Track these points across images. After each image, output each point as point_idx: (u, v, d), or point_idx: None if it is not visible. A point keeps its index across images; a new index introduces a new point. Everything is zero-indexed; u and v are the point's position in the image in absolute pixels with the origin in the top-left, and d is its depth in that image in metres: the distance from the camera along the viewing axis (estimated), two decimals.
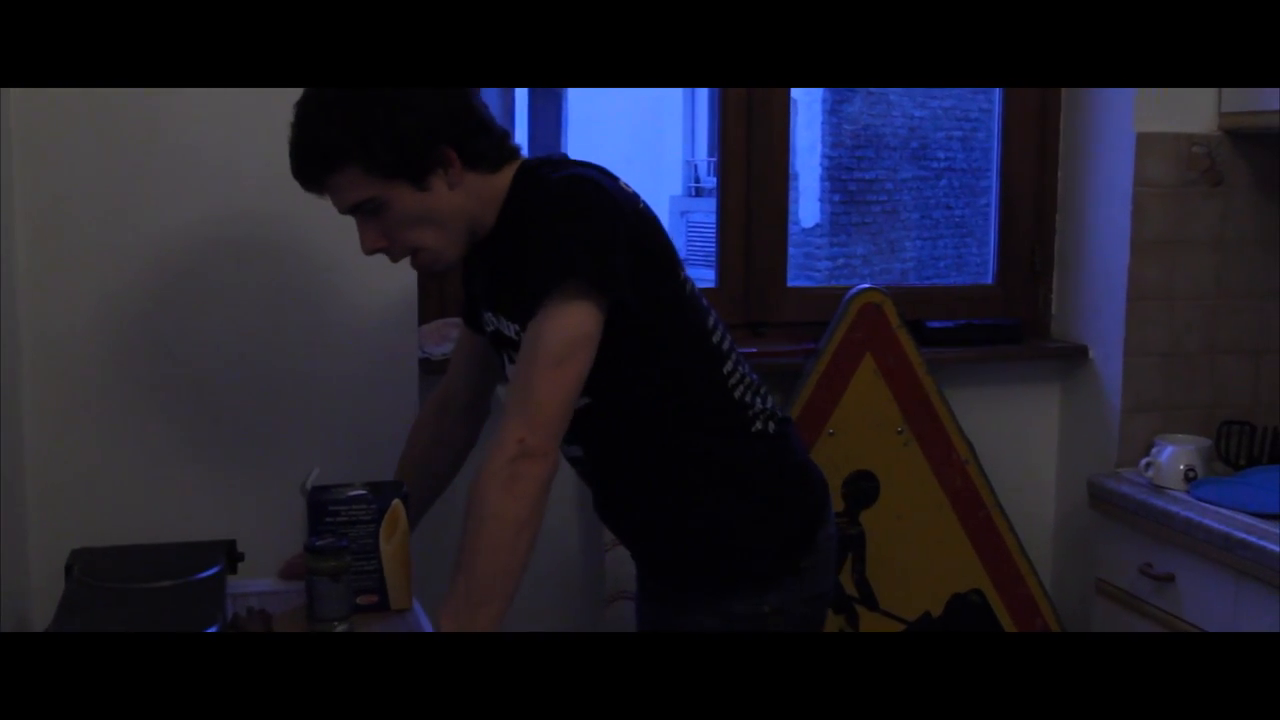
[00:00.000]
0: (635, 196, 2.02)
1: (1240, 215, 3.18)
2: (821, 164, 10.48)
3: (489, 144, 2.00)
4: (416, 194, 1.94)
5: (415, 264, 2.05)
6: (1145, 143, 3.09)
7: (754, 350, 3.03)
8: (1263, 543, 2.61)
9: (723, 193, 3.19)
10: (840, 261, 10.38)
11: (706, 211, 11.90)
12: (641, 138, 12.56)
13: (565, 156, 2.08)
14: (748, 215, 3.16)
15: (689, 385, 2.06)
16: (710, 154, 12.62)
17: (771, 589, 2.08)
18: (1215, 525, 2.73)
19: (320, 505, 2.14)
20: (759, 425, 2.10)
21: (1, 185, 2.29)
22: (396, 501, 2.16)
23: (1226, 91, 3.11)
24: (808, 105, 10.18)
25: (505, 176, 2.02)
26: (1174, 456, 2.99)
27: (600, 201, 1.93)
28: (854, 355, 3.03)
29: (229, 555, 2.16)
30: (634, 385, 2.03)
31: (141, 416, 2.52)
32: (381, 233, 1.98)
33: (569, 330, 1.87)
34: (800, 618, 2.12)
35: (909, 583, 3.12)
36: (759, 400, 2.13)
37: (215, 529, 2.35)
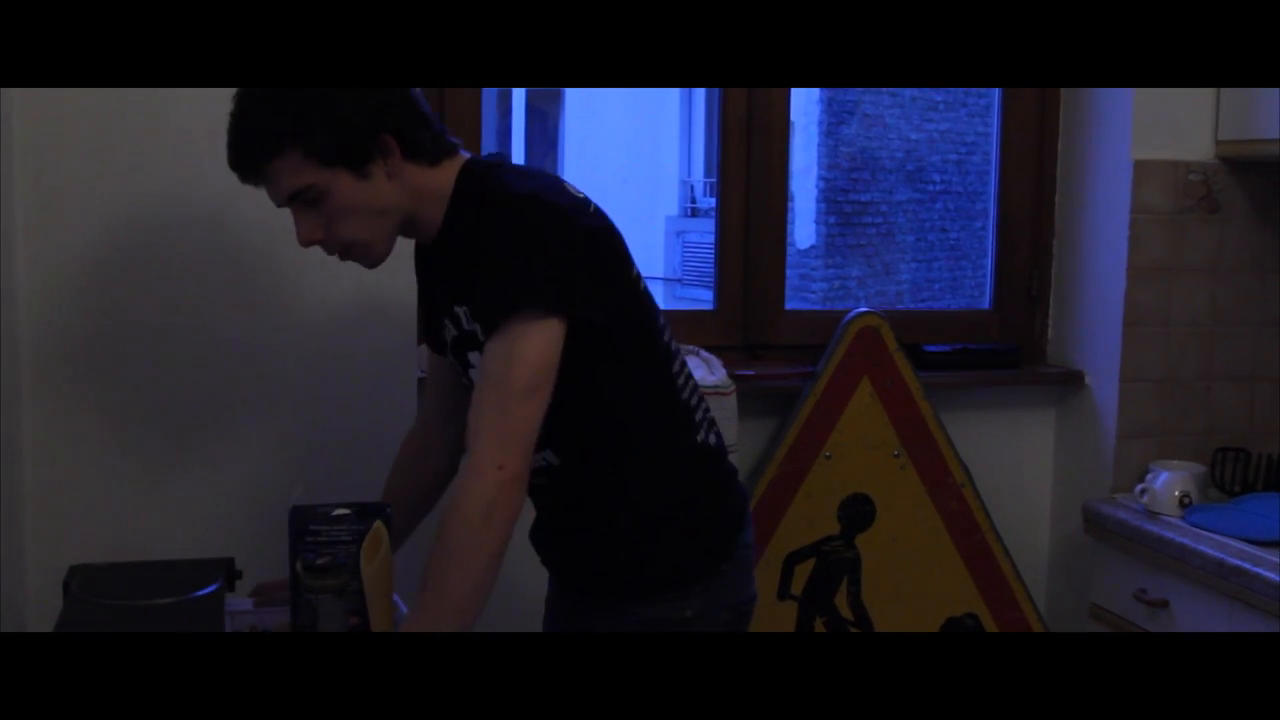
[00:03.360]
0: (585, 202, 2.03)
1: (1236, 242, 3.20)
2: (817, 185, 10.50)
3: (428, 136, 1.99)
4: (356, 183, 1.93)
5: (346, 257, 2.03)
6: (1142, 170, 3.11)
7: (751, 373, 3.03)
8: (1257, 570, 2.61)
9: (722, 214, 3.20)
10: (835, 283, 10.40)
11: (702, 232, 11.91)
12: (637, 157, 12.57)
13: (506, 161, 2.07)
14: (746, 237, 3.17)
15: (643, 391, 2.06)
16: (706, 174, 12.64)
17: (694, 594, 2.06)
18: (1210, 552, 2.74)
19: (302, 524, 2.12)
20: (701, 435, 2.11)
21: (1, 188, 2.29)
22: (378, 523, 2.13)
23: (1224, 119, 3.12)
24: (804, 127, 10.20)
25: (446, 173, 2.01)
26: (1169, 482, 3.00)
27: (561, 224, 1.93)
28: (851, 378, 3.04)
29: (227, 573, 2.15)
30: (592, 391, 2.02)
31: (140, 431, 2.52)
32: (319, 223, 1.97)
33: (538, 359, 1.88)
34: (722, 624, 2.09)
35: (904, 606, 3.13)
36: (701, 406, 2.14)
37: (213, 545, 2.35)
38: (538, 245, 1.89)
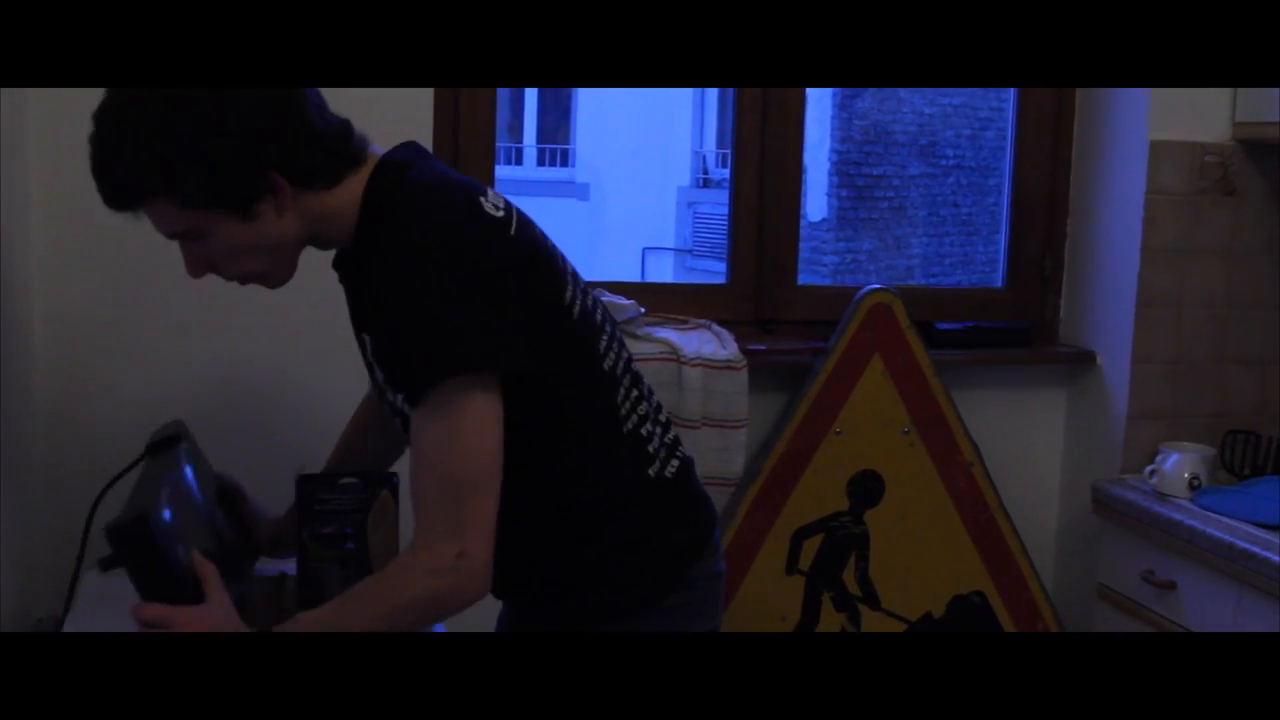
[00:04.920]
0: (505, 223, 1.79)
1: (1251, 225, 3.19)
2: (830, 159, 10.49)
3: (323, 156, 1.75)
4: (242, 224, 1.72)
5: (246, 283, 1.84)
6: (1158, 150, 3.10)
7: (763, 347, 3.04)
8: (1265, 553, 2.61)
9: (735, 188, 3.19)
10: (846, 257, 10.40)
11: (714, 203, 11.92)
12: (650, 128, 12.56)
13: (416, 163, 1.82)
14: (760, 213, 3.17)
15: (580, 430, 1.85)
16: (719, 145, 12.62)
17: (638, 624, 1.89)
18: (1218, 534, 2.74)
19: (309, 493, 2.14)
20: (655, 468, 1.91)
21: (3, 182, 2.30)
22: (385, 492, 2.14)
23: (1240, 102, 3.11)
24: (817, 100, 10.19)
25: (352, 187, 1.78)
26: (1178, 464, 3.00)
27: (478, 267, 1.70)
28: (863, 355, 3.04)
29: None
30: (525, 435, 1.78)
31: (150, 411, 2.53)
32: (206, 259, 1.77)
33: (485, 443, 1.69)
34: None
35: (911, 582, 3.14)
36: (658, 431, 1.95)
37: None
38: (452, 297, 1.67)
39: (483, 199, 1.79)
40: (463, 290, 1.67)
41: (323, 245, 1.85)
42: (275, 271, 1.82)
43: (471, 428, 1.68)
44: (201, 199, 1.69)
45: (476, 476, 1.68)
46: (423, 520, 1.69)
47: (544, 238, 1.87)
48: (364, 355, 1.91)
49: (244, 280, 1.83)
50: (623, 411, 1.89)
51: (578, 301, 1.86)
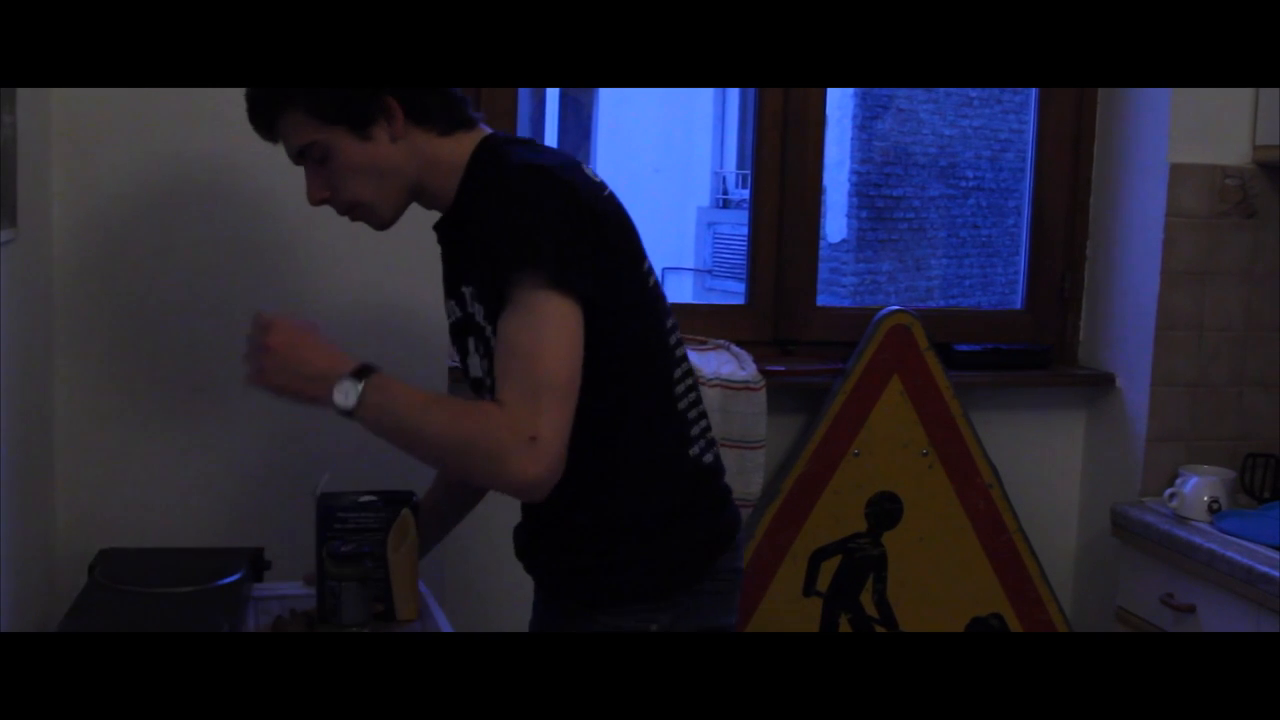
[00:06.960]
0: (600, 186, 1.95)
1: (1271, 248, 3.18)
2: (850, 180, 10.47)
3: (438, 103, 1.94)
4: (358, 143, 1.91)
5: (354, 218, 2.00)
6: (1178, 173, 3.09)
7: (782, 368, 3.04)
8: None
9: (755, 209, 3.20)
10: (865, 278, 10.38)
11: (734, 224, 11.91)
12: (670, 148, 12.56)
13: (530, 140, 2.02)
14: (779, 233, 3.17)
15: (637, 391, 1.95)
16: (739, 166, 12.62)
17: (663, 609, 1.94)
18: (1238, 558, 2.73)
19: (329, 511, 2.14)
20: (695, 450, 2.00)
21: (18, 185, 2.31)
22: (405, 511, 2.15)
23: (1261, 124, 3.11)
24: (837, 120, 10.18)
25: (462, 144, 1.96)
26: (1198, 487, 2.99)
27: (565, 199, 1.83)
28: (882, 376, 3.04)
29: (253, 563, 2.16)
30: (584, 384, 1.84)
31: (172, 419, 2.53)
32: (326, 182, 1.95)
33: (567, 343, 1.77)
34: None
35: (929, 605, 3.13)
36: (703, 422, 2.03)
37: (244, 531, 2.36)
38: (538, 214, 1.80)
39: (583, 166, 1.96)
40: (546, 211, 1.80)
41: (426, 202, 2.00)
42: (381, 203, 1.97)
43: (553, 333, 1.77)
44: (327, 111, 1.89)
45: (555, 378, 1.75)
46: (506, 395, 1.75)
47: (630, 220, 1.99)
48: (460, 311, 2.00)
49: (353, 211, 1.98)
50: (678, 390, 1.99)
51: (652, 276, 1.99)
